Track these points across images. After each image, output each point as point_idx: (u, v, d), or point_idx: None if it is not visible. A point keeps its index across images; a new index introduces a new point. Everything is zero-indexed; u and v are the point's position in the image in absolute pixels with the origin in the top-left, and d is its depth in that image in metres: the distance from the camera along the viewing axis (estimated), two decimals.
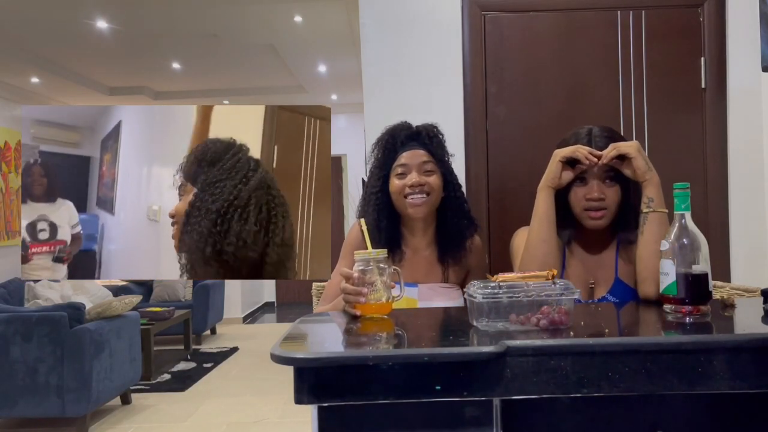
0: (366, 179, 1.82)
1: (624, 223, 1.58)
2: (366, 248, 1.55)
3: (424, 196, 1.68)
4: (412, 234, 1.75)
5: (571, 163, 1.55)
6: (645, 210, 1.49)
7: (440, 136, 1.76)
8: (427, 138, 1.73)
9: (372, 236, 1.63)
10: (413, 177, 1.67)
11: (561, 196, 1.59)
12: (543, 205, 1.56)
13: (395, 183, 1.69)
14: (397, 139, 1.73)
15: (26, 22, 4.74)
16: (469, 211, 1.79)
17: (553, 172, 1.55)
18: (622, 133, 2.38)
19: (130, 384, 4.58)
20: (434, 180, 1.69)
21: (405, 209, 1.70)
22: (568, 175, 1.55)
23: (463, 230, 1.75)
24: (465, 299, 1.24)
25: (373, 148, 1.79)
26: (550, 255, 1.53)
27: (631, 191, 1.56)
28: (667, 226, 1.45)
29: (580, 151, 1.51)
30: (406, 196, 1.68)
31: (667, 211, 1.48)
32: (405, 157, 1.70)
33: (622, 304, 1.55)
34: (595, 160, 1.51)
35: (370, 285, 1.37)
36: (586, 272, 1.62)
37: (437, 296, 1.70)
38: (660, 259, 1.33)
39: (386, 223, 1.70)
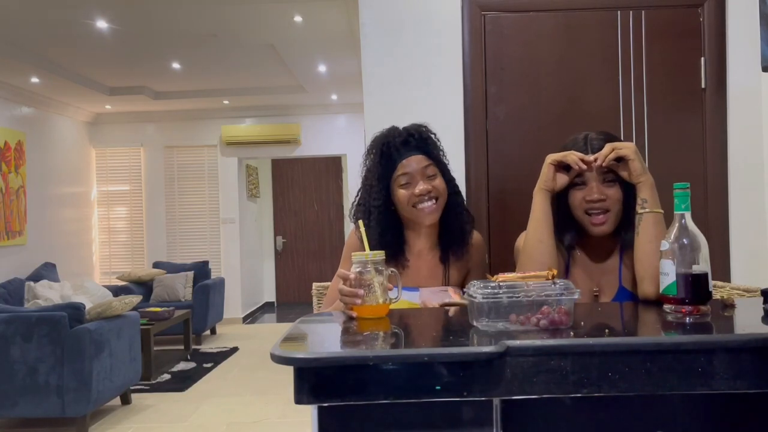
0: (363, 189, 1.77)
1: (627, 224, 1.56)
2: (364, 250, 1.54)
3: (434, 201, 1.66)
4: (418, 237, 1.74)
5: (567, 166, 1.55)
6: (640, 211, 1.49)
7: (433, 136, 1.74)
8: (421, 140, 1.70)
9: (373, 247, 1.59)
10: (420, 185, 1.65)
11: (562, 200, 1.59)
12: (538, 207, 1.56)
13: (401, 193, 1.67)
14: (392, 147, 1.68)
15: (26, 22, 4.74)
16: (465, 202, 1.80)
17: (545, 175, 1.56)
18: (622, 133, 2.39)
19: (130, 384, 4.58)
20: (439, 183, 1.68)
21: (416, 218, 1.68)
22: (563, 179, 1.56)
23: (464, 225, 1.75)
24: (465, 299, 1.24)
25: (366, 157, 1.75)
26: (547, 255, 1.53)
27: (633, 190, 1.55)
28: (663, 226, 1.45)
29: (570, 156, 1.52)
30: (414, 205, 1.66)
31: (662, 211, 1.48)
32: (405, 165, 1.67)
33: (621, 303, 1.55)
34: (585, 166, 1.51)
35: (367, 287, 1.36)
36: (590, 280, 1.62)
37: (438, 300, 1.68)
38: (657, 259, 1.33)
39: (390, 236, 1.68)
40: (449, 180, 1.73)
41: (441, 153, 1.75)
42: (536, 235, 1.55)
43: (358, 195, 1.77)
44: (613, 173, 1.54)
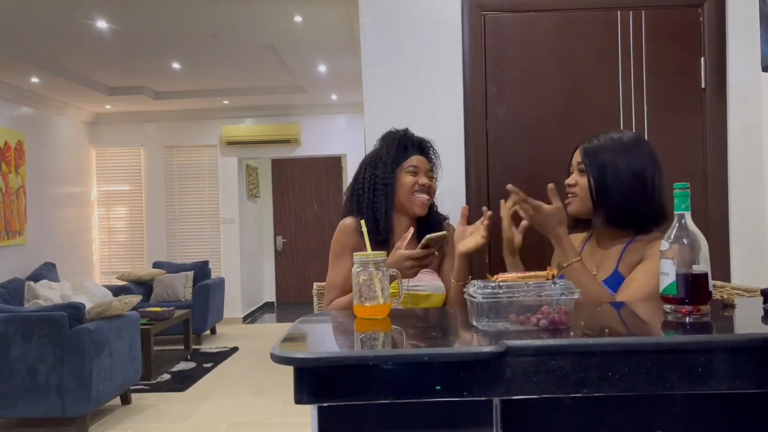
0: (367, 170, 1.93)
1: (640, 220, 1.67)
2: (366, 249, 1.56)
3: (428, 196, 1.90)
4: (401, 227, 1.88)
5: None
6: (564, 264, 1.60)
7: (438, 155, 2.00)
8: (432, 152, 1.97)
9: (370, 226, 1.74)
10: (423, 179, 1.89)
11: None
12: (508, 267, 1.79)
13: (408, 178, 1.88)
14: (409, 141, 1.93)
15: (26, 22, 4.74)
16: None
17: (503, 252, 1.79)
18: None
19: (130, 384, 4.58)
20: (435, 185, 1.95)
21: (410, 204, 1.88)
22: (518, 237, 1.77)
23: (438, 224, 1.94)
24: (465, 298, 1.25)
25: (382, 142, 1.95)
26: None
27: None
28: (585, 268, 1.59)
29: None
30: (413, 193, 1.87)
31: (580, 258, 1.61)
32: (417, 159, 1.91)
33: (621, 303, 1.56)
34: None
35: (368, 287, 1.37)
36: (592, 262, 1.74)
37: (422, 276, 1.84)
38: (606, 292, 1.50)
39: (385, 217, 1.85)
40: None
41: (438, 169, 2.00)
42: None
43: (362, 175, 1.91)
44: (585, 165, 1.68)
